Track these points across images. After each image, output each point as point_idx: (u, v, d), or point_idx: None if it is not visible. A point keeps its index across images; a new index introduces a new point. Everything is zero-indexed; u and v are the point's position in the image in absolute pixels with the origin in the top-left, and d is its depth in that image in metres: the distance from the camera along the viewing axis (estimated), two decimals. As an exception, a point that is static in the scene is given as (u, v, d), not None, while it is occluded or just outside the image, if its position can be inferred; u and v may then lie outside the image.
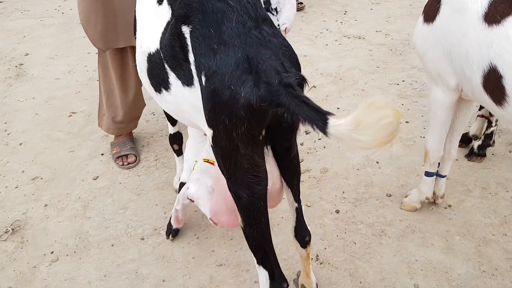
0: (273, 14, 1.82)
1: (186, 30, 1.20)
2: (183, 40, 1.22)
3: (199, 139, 1.70)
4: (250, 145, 1.15)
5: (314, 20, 4.10)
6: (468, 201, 2.10)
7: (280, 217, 2.05)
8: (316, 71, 3.25)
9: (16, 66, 3.48)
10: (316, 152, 2.47)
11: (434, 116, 1.81)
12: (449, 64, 1.61)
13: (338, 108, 2.81)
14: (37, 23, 4.23)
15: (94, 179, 2.36)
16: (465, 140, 2.41)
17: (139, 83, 2.28)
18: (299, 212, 1.45)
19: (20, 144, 2.63)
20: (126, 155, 2.43)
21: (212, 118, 1.16)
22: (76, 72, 3.39)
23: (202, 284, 1.77)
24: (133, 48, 1.56)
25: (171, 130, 2.06)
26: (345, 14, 4.21)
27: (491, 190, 2.16)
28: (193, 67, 1.20)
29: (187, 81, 1.25)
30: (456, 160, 2.20)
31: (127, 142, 2.46)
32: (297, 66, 1.23)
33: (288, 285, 1.37)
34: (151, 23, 1.44)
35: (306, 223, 1.48)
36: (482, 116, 2.37)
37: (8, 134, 2.71)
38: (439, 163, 1.96)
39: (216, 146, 1.21)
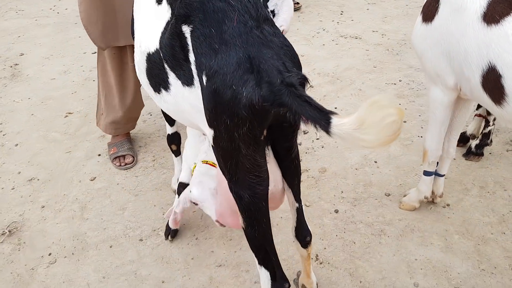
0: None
1: (186, 29, 1.20)
2: (183, 39, 1.21)
3: (198, 139, 1.69)
4: (251, 145, 1.14)
5: (311, 20, 4.10)
6: (467, 200, 2.11)
7: (279, 217, 2.04)
8: (313, 71, 3.25)
9: (11, 66, 3.46)
10: (315, 152, 2.47)
11: (432, 116, 1.81)
12: (448, 63, 1.61)
13: (335, 108, 2.81)
14: (32, 23, 4.20)
15: (92, 180, 2.34)
16: (463, 139, 2.42)
17: (137, 84, 2.27)
18: (299, 212, 1.45)
19: (16, 145, 2.61)
20: (124, 156, 2.42)
21: (213, 118, 1.15)
22: (72, 72, 3.36)
23: (202, 285, 1.77)
24: (133, 48, 1.56)
25: (169, 130, 2.04)
26: (341, 14, 4.21)
27: (489, 189, 2.17)
28: (193, 67, 1.19)
29: (187, 81, 1.24)
30: (454, 159, 2.20)
31: (124, 143, 2.44)
32: (298, 66, 1.22)
33: (289, 285, 1.36)
34: (150, 23, 1.43)
35: (307, 223, 1.48)
36: (479, 115, 2.38)
37: (3, 135, 2.69)
38: (437, 163, 1.96)
39: (217, 146, 1.20)
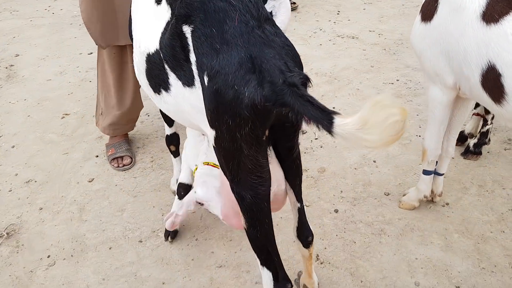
0: None
1: (187, 29, 1.19)
2: (184, 40, 1.20)
3: (198, 140, 1.68)
4: (254, 146, 1.14)
5: (308, 20, 4.11)
6: (465, 199, 2.11)
7: (279, 217, 2.04)
8: (310, 71, 3.25)
9: (6, 68, 3.43)
10: (313, 152, 2.47)
11: (431, 115, 1.82)
12: (447, 62, 1.61)
13: (334, 108, 2.81)
14: (27, 23, 4.18)
15: (90, 181, 2.32)
16: (461, 138, 2.42)
17: (137, 84, 2.26)
18: (301, 212, 1.45)
19: (13, 146, 2.59)
20: (122, 157, 2.40)
21: (214, 118, 1.14)
22: (68, 73, 3.34)
23: (202, 286, 1.76)
24: (133, 48, 1.56)
25: (168, 131, 2.03)
26: (338, 14, 4.22)
27: (487, 187, 2.18)
28: (194, 67, 1.18)
29: (188, 82, 1.23)
30: (452, 158, 2.21)
31: (122, 144, 2.43)
32: (300, 66, 1.22)
33: (292, 286, 1.36)
34: (149, 23, 1.43)
35: (308, 223, 1.48)
36: (477, 114, 2.39)
37: (0, 137, 2.66)
38: (436, 162, 1.97)
39: (219, 147, 1.20)
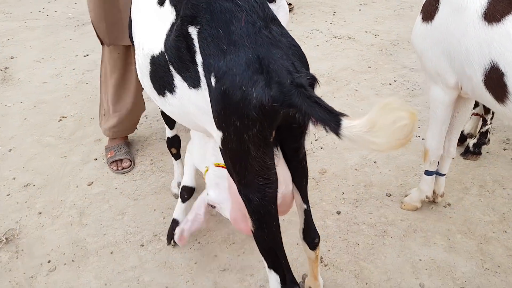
0: None
1: (193, 31, 1.18)
2: (189, 41, 1.19)
3: (204, 141, 1.65)
4: (261, 147, 1.13)
5: (304, 21, 4.11)
6: (467, 199, 2.12)
7: (281, 219, 2.00)
8: (308, 72, 3.24)
9: (1, 70, 3.39)
10: (314, 153, 2.46)
11: (433, 115, 1.82)
12: (449, 62, 1.62)
13: (333, 109, 2.81)
14: (21, 25, 4.13)
15: (89, 184, 2.30)
16: (460, 138, 2.42)
17: (139, 87, 2.24)
18: (307, 213, 1.44)
19: (10, 150, 2.55)
20: (121, 160, 2.38)
21: (222, 120, 1.13)
22: (64, 76, 3.31)
23: (206, 290, 1.74)
24: None
25: (169, 133, 2.02)
26: (333, 15, 4.22)
27: (488, 187, 2.18)
28: (200, 69, 1.17)
29: (194, 83, 1.22)
30: (452, 158, 2.21)
31: (122, 146, 2.41)
32: (307, 66, 1.22)
33: (299, 289, 1.35)
34: (152, 25, 1.41)
35: (315, 225, 1.47)
36: (476, 114, 2.39)
37: (-4, 140, 2.63)
38: (438, 162, 1.97)
39: (226, 148, 1.19)
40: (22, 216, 2.11)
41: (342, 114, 0.94)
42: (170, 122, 1.97)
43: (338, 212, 2.07)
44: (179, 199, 1.88)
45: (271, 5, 1.88)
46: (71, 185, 2.30)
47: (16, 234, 2.02)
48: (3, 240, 1.98)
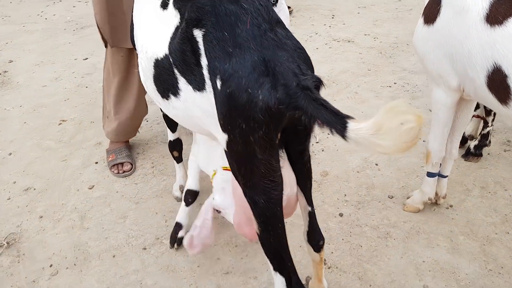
0: None
1: (198, 33, 1.18)
2: (194, 44, 1.19)
3: (211, 144, 1.64)
4: (267, 149, 1.13)
5: (303, 24, 4.12)
6: (469, 201, 2.12)
7: (284, 221, 2.02)
8: (308, 75, 3.25)
9: (0, 74, 3.37)
10: (315, 155, 2.46)
11: (435, 117, 1.82)
12: (451, 65, 1.62)
13: (333, 111, 2.81)
14: (20, 29, 4.13)
15: (90, 188, 2.29)
16: (461, 140, 2.42)
17: (141, 90, 2.24)
18: (312, 216, 1.43)
19: (10, 154, 2.54)
20: (122, 163, 2.37)
21: (227, 122, 1.13)
22: (64, 79, 3.30)
23: (209, 293, 1.74)
24: None
25: (171, 136, 2.01)
26: (332, 18, 4.24)
27: (489, 189, 2.19)
28: (205, 71, 1.17)
29: (199, 86, 1.22)
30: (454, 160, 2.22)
31: (123, 150, 2.40)
32: (312, 69, 1.22)
33: (305, 291, 1.34)
34: (155, 28, 1.41)
35: (319, 227, 1.47)
36: (477, 116, 2.40)
37: (-4, 144, 2.62)
38: (440, 164, 1.97)
39: (231, 151, 1.18)
40: (23, 220, 2.10)
41: (348, 117, 0.94)
42: (172, 125, 1.97)
43: (341, 214, 2.07)
44: (183, 203, 1.87)
45: (272, 8, 1.89)
46: (72, 188, 2.29)
47: (17, 238, 2.00)
48: (4, 245, 1.96)
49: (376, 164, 2.37)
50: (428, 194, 2.01)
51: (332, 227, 2.00)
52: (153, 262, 1.87)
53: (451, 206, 2.09)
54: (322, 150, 2.49)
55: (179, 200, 2.16)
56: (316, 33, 3.93)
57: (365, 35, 3.87)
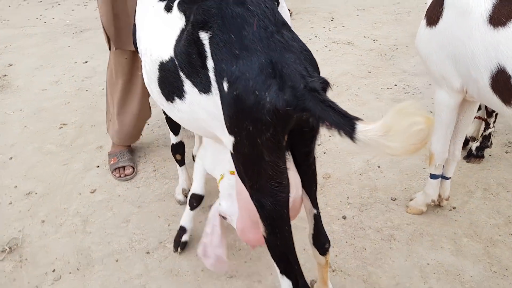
0: None
1: (204, 36, 1.17)
2: (200, 46, 1.18)
3: (218, 147, 1.62)
4: (275, 151, 1.13)
5: (302, 27, 4.12)
6: (472, 203, 2.12)
7: (287, 225, 2.01)
8: (309, 77, 3.25)
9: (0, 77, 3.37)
10: (317, 157, 2.44)
11: (438, 118, 1.82)
12: (454, 66, 1.62)
13: (334, 114, 2.81)
14: (19, 32, 4.12)
15: (92, 192, 2.28)
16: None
17: (145, 92, 2.24)
18: (317, 218, 1.43)
19: (11, 158, 2.53)
20: (124, 167, 2.37)
21: (234, 124, 1.12)
22: (64, 83, 3.29)
23: (214, 297, 1.73)
24: None
25: (174, 140, 2.01)
26: (332, 20, 4.25)
27: (492, 190, 2.19)
28: (211, 74, 1.17)
29: (205, 88, 1.21)
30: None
31: (125, 153, 2.39)
32: (318, 71, 1.21)
33: (312, 295, 1.34)
34: (159, 31, 1.41)
35: (325, 230, 1.46)
36: (479, 118, 2.40)
37: (-4, 148, 2.61)
38: (443, 165, 1.97)
39: (238, 153, 1.18)
40: (25, 225, 2.08)
41: (357, 118, 0.94)
42: (174, 128, 1.96)
43: (344, 217, 2.06)
44: (188, 207, 1.86)
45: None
46: (74, 192, 2.28)
47: (20, 243, 1.99)
48: (6, 250, 1.95)
49: (379, 166, 2.37)
50: (431, 196, 2.01)
51: (336, 229, 2.00)
52: (156, 266, 1.86)
53: (454, 208, 2.09)
54: (324, 153, 2.49)
55: (181, 203, 2.15)
56: (316, 36, 3.93)
57: (365, 37, 3.88)
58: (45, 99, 3.08)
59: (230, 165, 1.49)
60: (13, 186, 2.32)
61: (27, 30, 4.18)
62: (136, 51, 2.13)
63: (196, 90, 1.24)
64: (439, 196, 2.04)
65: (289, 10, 4.23)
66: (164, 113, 1.85)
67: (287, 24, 1.22)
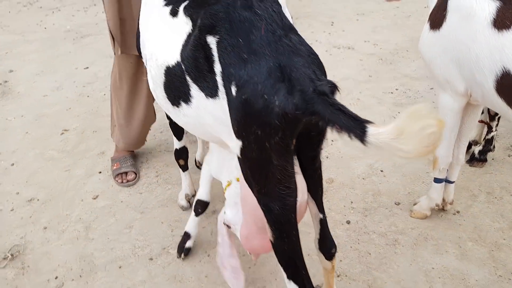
0: None
1: (212, 40, 1.17)
2: (208, 50, 1.18)
3: (224, 153, 1.61)
4: (283, 155, 1.12)
5: (303, 32, 4.09)
6: (475, 206, 2.12)
7: (291, 230, 2.00)
8: (310, 82, 3.25)
9: (0, 84, 3.36)
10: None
11: (442, 122, 1.82)
12: (458, 69, 1.62)
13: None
14: (19, 38, 4.12)
15: (94, 198, 2.27)
16: (465, 146, 2.44)
17: (151, 97, 2.23)
18: (323, 223, 1.42)
19: (12, 164, 2.52)
20: (126, 173, 2.36)
21: (242, 129, 1.12)
22: (65, 88, 3.29)
23: (218, 303, 1.72)
24: None
25: (177, 145, 2.00)
26: (332, 25, 4.26)
27: (495, 194, 2.18)
28: (219, 78, 1.16)
29: (211, 93, 1.21)
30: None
31: (128, 159, 2.39)
32: (325, 75, 1.21)
33: (319, 300, 1.33)
34: (165, 36, 1.40)
35: (331, 234, 1.45)
36: (481, 121, 2.41)
37: (-3, 155, 2.60)
38: (447, 169, 1.97)
39: (245, 157, 1.17)
40: (27, 232, 2.07)
41: (368, 121, 0.93)
42: (178, 134, 1.96)
43: (348, 222, 2.06)
44: (193, 213, 1.85)
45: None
46: (76, 199, 2.27)
47: (22, 250, 1.98)
48: (8, 257, 1.94)
49: (382, 171, 2.37)
50: (435, 200, 2.00)
51: (340, 234, 1.99)
52: (160, 272, 1.85)
53: (458, 212, 2.09)
54: (327, 157, 2.49)
55: (184, 209, 2.15)
56: (316, 41, 3.94)
57: (365, 41, 3.89)
58: (46, 105, 3.08)
59: (237, 171, 1.48)
60: (15, 192, 2.31)
61: (28, 36, 4.18)
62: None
63: (202, 94, 1.24)
64: (443, 200, 2.03)
65: (289, 15, 4.27)
66: (168, 118, 1.85)
67: (294, 28, 1.22)
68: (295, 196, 1.20)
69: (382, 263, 1.85)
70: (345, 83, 3.24)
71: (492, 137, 2.34)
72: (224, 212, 1.52)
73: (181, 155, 2.02)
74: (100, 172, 2.44)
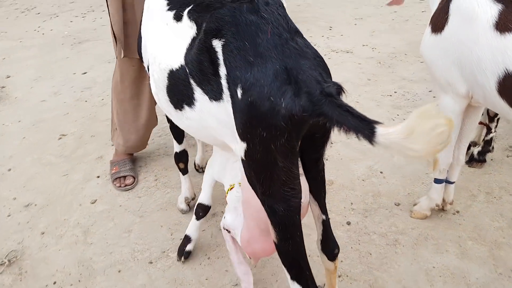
0: None
1: (217, 44, 1.17)
2: (213, 54, 1.18)
3: (227, 157, 1.60)
4: (289, 157, 1.12)
5: (300, 36, 4.14)
6: (475, 206, 2.12)
7: (291, 232, 1.99)
8: (308, 85, 3.26)
9: (-3, 89, 3.35)
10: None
11: (443, 124, 1.82)
12: (459, 72, 1.63)
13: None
14: (17, 44, 4.11)
15: (92, 203, 2.25)
16: (464, 146, 2.44)
17: (153, 101, 2.23)
18: (326, 224, 1.42)
19: (9, 169, 2.50)
20: (124, 177, 2.35)
21: (246, 131, 1.12)
22: (63, 94, 3.28)
23: (219, 306, 1.70)
24: None
25: (177, 148, 2.00)
26: (330, 29, 4.28)
27: (495, 194, 2.19)
28: (223, 81, 1.16)
29: (216, 96, 1.21)
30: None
31: (127, 162, 2.38)
32: (330, 77, 1.21)
33: (322, 300, 1.32)
34: (169, 40, 1.40)
35: (334, 235, 1.45)
36: (480, 123, 2.41)
37: (-5, 160, 2.58)
38: (447, 170, 1.97)
39: (250, 159, 1.17)
40: (24, 237, 2.05)
41: (376, 122, 0.93)
42: (178, 137, 1.95)
43: (348, 223, 2.05)
44: (194, 216, 1.84)
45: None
46: (74, 203, 2.25)
47: (19, 255, 1.96)
48: (5, 262, 1.92)
49: (381, 172, 2.37)
50: (435, 200, 2.00)
51: (340, 235, 1.99)
52: (160, 276, 1.84)
53: (457, 211, 2.09)
54: (326, 159, 2.49)
55: (184, 212, 2.14)
56: (315, 45, 3.93)
57: (363, 45, 3.90)
58: (44, 110, 3.07)
59: (240, 175, 1.47)
60: (12, 198, 2.29)
61: (25, 41, 4.17)
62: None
63: (206, 97, 1.24)
64: (443, 200, 2.04)
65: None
66: (168, 121, 1.84)
67: (299, 31, 1.23)
68: (300, 198, 1.20)
69: (383, 263, 1.84)
70: (344, 86, 3.22)
71: (491, 138, 2.35)
72: (224, 217, 1.51)
73: (181, 158, 2.02)
74: (98, 177, 2.43)
